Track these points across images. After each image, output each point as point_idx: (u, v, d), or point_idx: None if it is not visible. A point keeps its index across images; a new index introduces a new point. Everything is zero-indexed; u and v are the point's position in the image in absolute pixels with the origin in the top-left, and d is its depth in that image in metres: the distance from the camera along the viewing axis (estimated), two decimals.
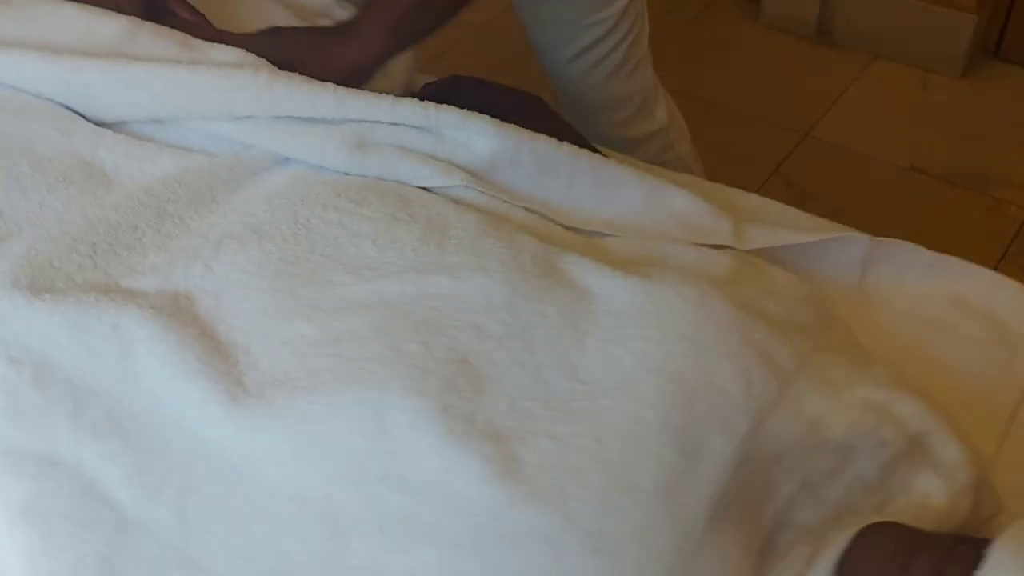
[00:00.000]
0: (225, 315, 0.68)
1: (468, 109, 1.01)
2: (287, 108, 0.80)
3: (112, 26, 0.88)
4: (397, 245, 0.72)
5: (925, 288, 0.87)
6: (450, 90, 1.05)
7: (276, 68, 0.84)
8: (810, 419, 0.65)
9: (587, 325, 0.67)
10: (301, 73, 0.83)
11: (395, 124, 0.82)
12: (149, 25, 0.88)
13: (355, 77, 0.87)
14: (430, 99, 1.04)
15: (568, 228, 0.84)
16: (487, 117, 0.83)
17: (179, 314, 0.67)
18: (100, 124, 0.84)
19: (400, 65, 1.07)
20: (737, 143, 2.10)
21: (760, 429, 0.62)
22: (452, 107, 0.83)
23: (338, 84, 0.82)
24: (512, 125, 0.84)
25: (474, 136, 0.83)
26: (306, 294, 0.68)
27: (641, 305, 0.67)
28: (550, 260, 0.72)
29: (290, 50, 0.88)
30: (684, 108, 2.23)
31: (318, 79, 0.82)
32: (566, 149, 0.85)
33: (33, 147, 0.79)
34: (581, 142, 0.97)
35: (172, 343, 0.64)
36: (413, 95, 1.06)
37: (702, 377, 0.62)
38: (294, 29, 0.93)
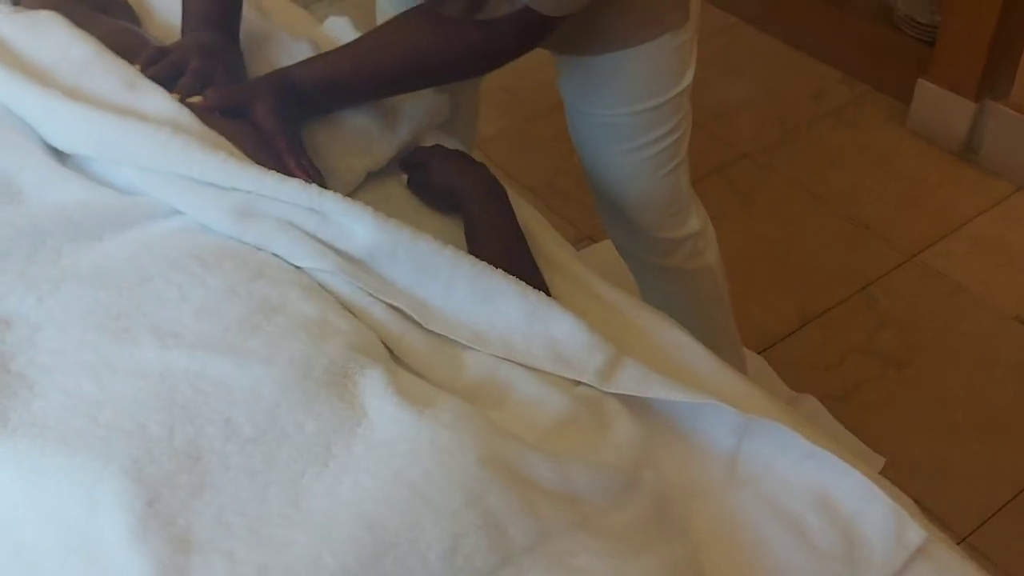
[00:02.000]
0: (30, 349, 0.72)
1: (431, 181, 1.03)
2: (180, 168, 0.84)
3: (82, 50, 0.95)
4: (215, 320, 0.74)
5: (794, 478, 0.81)
6: (428, 158, 1.07)
7: (203, 126, 0.88)
8: None
9: (339, 449, 0.66)
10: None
11: (281, 200, 0.84)
12: (109, 58, 0.94)
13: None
14: (411, 163, 1.07)
15: (429, 331, 0.83)
16: (368, 209, 0.84)
17: None
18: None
19: (397, 122, 1.10)
20: (833, 249, 1.98)
21: None
22: (335, 194, 0.84)
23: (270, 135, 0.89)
24: (394, 221, 0.85)
25: (354, 225, 0.84)
26: (108, 351, 0.72)
27: (394, 441, 0.66)
28: (348, 371, 0.72)
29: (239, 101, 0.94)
30: (794, 199, 2.15)
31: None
32: (447, 254, 0.85)
33: None
34: (517, 243, 0.96)
35: None
36: (402, 156, 1.09)
37: (405, 532, 0.60)
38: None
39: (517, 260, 0.93)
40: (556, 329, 0.85)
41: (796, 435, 0.80)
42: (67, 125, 0.87)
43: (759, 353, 1.79)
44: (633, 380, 0.82)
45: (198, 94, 0.95)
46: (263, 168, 0.84)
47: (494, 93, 1.48)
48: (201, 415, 0.67)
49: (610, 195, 1.31)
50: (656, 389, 0.81)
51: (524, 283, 0.86)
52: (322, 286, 0.82)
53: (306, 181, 0.88)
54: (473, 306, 0.85)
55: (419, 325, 0.83)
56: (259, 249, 0.83)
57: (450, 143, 1.17)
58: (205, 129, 0.88)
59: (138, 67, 0.96)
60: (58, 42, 0.97)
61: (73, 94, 0.90)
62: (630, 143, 1.23)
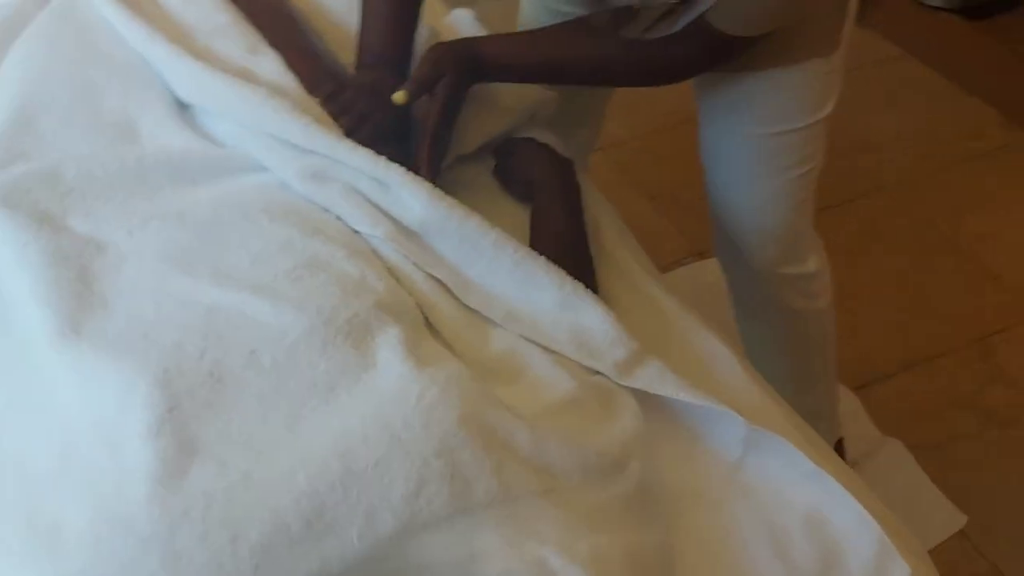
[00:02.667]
0: (113, 274, 0.83)
1: (512, 170, 1.09)
2: (268, 126, 0.93)
3: (223, 17, 1.06)
4: (267, 267, 0.82)
5: (792, 495, 0.82)
6: (515, 148, 1.13)
7: (304, 94, 0.98)
8: (473, 553, 0.66)
9: (341, 390, 0.73)
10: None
11: (351, 168, 0.92)
12: (244, 26, 1.05)
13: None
14: (503, 151, 1.12)
15: (464, 305, 0.89)
16: (426, 185, 0.91)
17: (75, 256, 0.83)
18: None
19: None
20: (956, 295, 1.91)
21: (409, 537, 0.66)
22: (398, 167, 0.91)
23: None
24: (449, 199, 0.91)
25: (411, 198, 0.91)
26: (171, 283, 0.81)
27: (389, 390, 0.72)
28: (370, 325, 0.78)
29: None
30: (925, 238, 2.08)
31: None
32: (493, 236, 0.90)
33: (100, 97, 1.00)
34: (574, 238, 1.00)
35: (49, 275, 0.81)
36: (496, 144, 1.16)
37: (374, 468, 0.66)
38: None
39: (570, 252, 0.98)
40: (585, 319, 0.89)
41: (800, 454, 0.81)
42: (184, 78, 0.98)
43: (855, 390, 1.75)
44: (649, 377, 0.85)
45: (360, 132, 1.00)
46: (340, 135, 0.92)
47: (632, 97, 1.51)
48: (231, 344, 0.75)
49: (732, 220, 1.30)
50: (670, 388, 0.84)
51: (563, 273, 0.90)
52: (373, 251, 0.89)
53: (425, 174, 0.95)
54: (512, 288, 0.90)
55: (456, 298, 0.89)
56: (325, 210, 0.91)
57: (546, 137, 1.23)
58: (304, 97, 0.97)
59: (318, 99, 1.02)
60: (205, 7, 1.09)
61: (200, 52, 1.01)
62: (764, 166, 1.22)
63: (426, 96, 1.01)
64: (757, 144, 1.20)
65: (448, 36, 1.32)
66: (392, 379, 0.73)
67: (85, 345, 0.77)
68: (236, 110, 0.95)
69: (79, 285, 0.81)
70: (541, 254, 0.96)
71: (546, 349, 0.87)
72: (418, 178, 0.91)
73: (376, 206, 0.91)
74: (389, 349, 0.76)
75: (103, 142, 0.96)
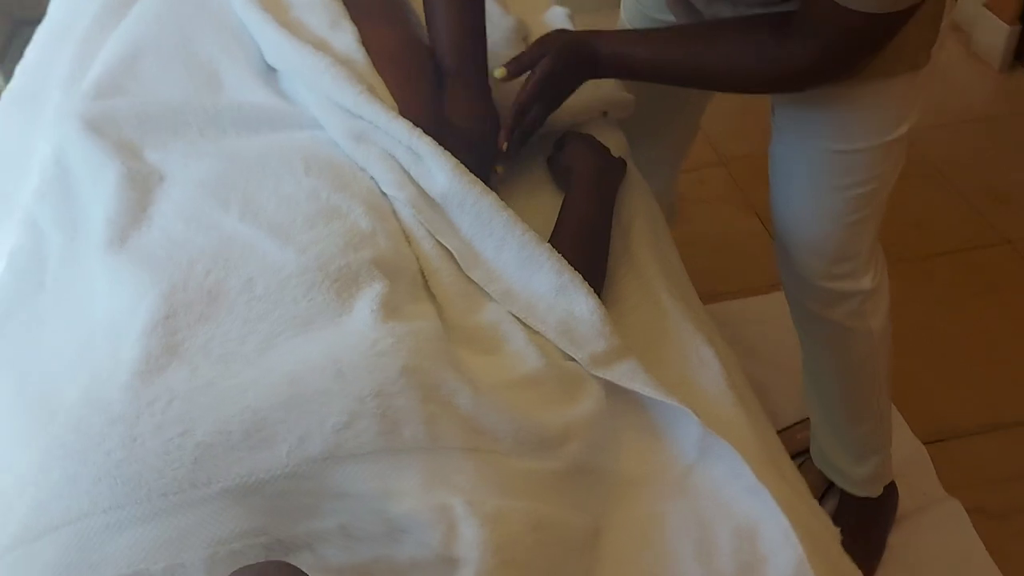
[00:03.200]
0: (164, 200, 0.95)
1: (559, 160, 1.15)
2: (327, 90, 1.03)
3: None
4: (289, 211, 0.92)
5: (733, 504, 0.84)
6: (567, 140, 1.19)
7: (369, 67, 1.07)
8: (388, 490, 0.73)
9: (315, 328, 0.81)
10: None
11: (390, 135, 1.00)
12: (330, 2, 1.15)
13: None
14: (559, 142, 1.18)
15: (465, 276, 0.96)
16: (452, 159, 0.98)
17: (141, 180, 0.96)
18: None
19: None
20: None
21: (334, 464, 0.73)
22: (430, 139, 0.98)
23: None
24: (470, 175, 0.97)
25: (437, 170, 0.98)
26: (205, 210, 0.92)
27: (350, 334, 0.80)
28: (359, 277, 0.86)
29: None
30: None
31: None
32: (505, 216, 0.96)
33: (199, 49, 1.12)
34: (593, 232, 1.05)
35: (118, 194, 0.94)
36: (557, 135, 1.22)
37: (315, 397, 0.74)
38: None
39: (586, 241, 1.02)
40: (577, 308, 0.93)
41: (744, 465, 0.83)
42: (269, 42, 1.10)
43: (929, 443, 1.70)
44: (620, 372, 0.89)
45: None
46: (385, 106, 1.00)
47: (758, 112, 1.50)
48: (234, 269, 0.85)
49: (786, 230, 1.30)
50: (637, 384, 0.88)
51: (564, 262, 0.95)
52: (393, 212, 0.97)
53: (501, 140, 1.03)
54: (515, 267, 0.96)
55: (459, 268, 0.96)
56: (363, 170, 1.00)
57: (608, 137, 1.27)
58: (367, 68, 1.06)
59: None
60: None
61: (289, 22, 1.12)
62: (824, 181, 1.21)
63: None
64: (820, 159, 1.19)
65: (539, 30, 1.38)
66: (357, 325, 0.81)
67: (124, 256, 0.89)
68: (303, 74, 1.05)
69: (137, 206, 0.94)
70: (559, 237, 1.02)
71: (531, 330, 0.92)
72: (447, 152, 0.98)
73: (407, 172, 0.99)
74: (367, 300, 0.83)
75: (191, 87, 1.09)
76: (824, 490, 1.62)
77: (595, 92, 1.30)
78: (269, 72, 1.13)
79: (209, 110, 1.05)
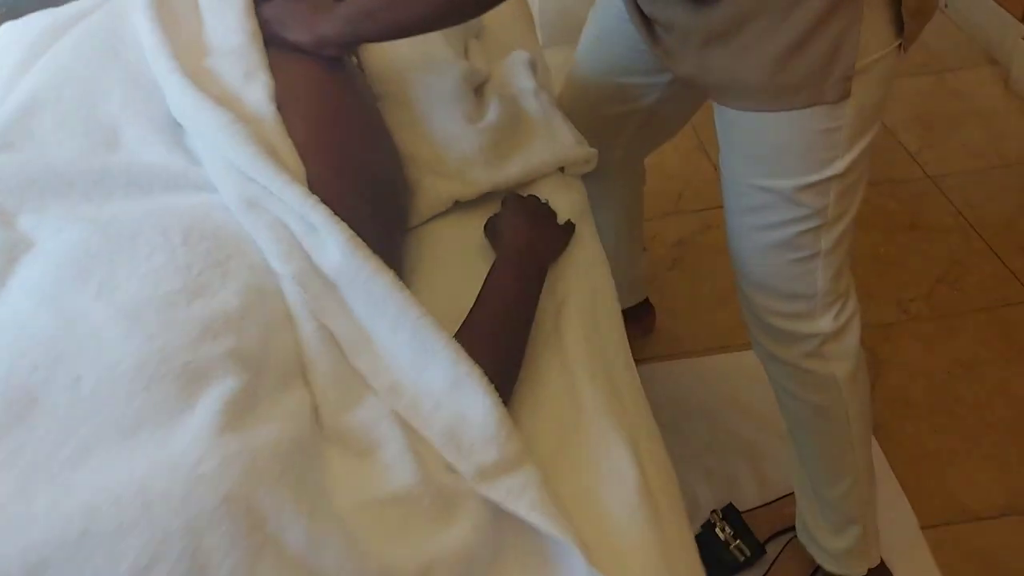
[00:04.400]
0: (23, 271, 0.86)
1: (493, 226, 1.04)
2: (225, 150, 0.93)
3: (239, 38, 1.07)
4: (151, 289, 0.81)
5: None
6: (506, 203, 1.08)
7: (277, 127, 0.97)
8: None
9: (143, 435, 0.71)
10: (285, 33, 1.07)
11: (284, 202, 0.90)
12: (249, 49, 1.06)
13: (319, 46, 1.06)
14: (505, 204, 1.08)
15: (349, 366, 0.85)
16: (347, 232, 0.88)
17: (7, 250, 0.88)
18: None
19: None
20: None
21: None
22: (324, 208, 0.88)
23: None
24: (366, 250, 0.88)
25: (331, 242, 0.88)
26: (61, 290, 0.82)
27: (175, 446, 0.70)
28: (209, 373, 0.75)
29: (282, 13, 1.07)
30: None
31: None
32: (399, 298, 0.86)
33: (100, 102, 1.04)
34: (510, 313, 0.94)
35: None
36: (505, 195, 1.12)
37: (113, 532, 0.64)
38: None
39: (500, 330, 0.92)
40: (470, 409, 0.82)
41: None
42: (173, 93, 1.01)
43: (933, 526, 1.54)
44: (507, 489, 0.79)
45: None
46: (281, 168, 0.91)
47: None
48: (65, 364, 0.74)
49: (736, 262, 1.23)
50: (522, 507, 0.77)
51: (463, 354, 0.84)
52: (277, 290, 0.88)
53: None
54: (406, 357, 0.85)
55: (344, 355, 0.85)
56: (254, 240, 0.90)
57: (568, 196, 1.16)
58: (276, 128, 0.97)
59: None
60: (230, 25, 1.11)
61: (200, 71, 1.03)
62: (750, 217, 1.14)
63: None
64: (743, 193, 1.12)
65: (497, 78, 1.28)
66: (187, 437, 0.71)
67: None
68: (201, 130, 0.96)
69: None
70: (471, 319, 0.91)
71: (415, 432, 0.82)
72: (342, 224, 0.88)
73: (299, 244, 0.90)
74: (212, 401, 0.73)
75: (87, 145, 1.00)
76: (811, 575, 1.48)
77: (551, 147, 1.20)
78: (177, 128, 1.04)
79: (98, 171, 0.96)
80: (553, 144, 1.20)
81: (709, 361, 1.91)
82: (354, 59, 1.21)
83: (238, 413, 0.73)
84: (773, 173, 1.07)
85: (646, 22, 1.12)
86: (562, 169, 1.23)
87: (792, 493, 1.50)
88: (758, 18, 0.97)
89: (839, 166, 1.05)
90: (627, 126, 1.39)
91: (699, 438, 1.77)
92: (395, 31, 1.07)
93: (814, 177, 1.05)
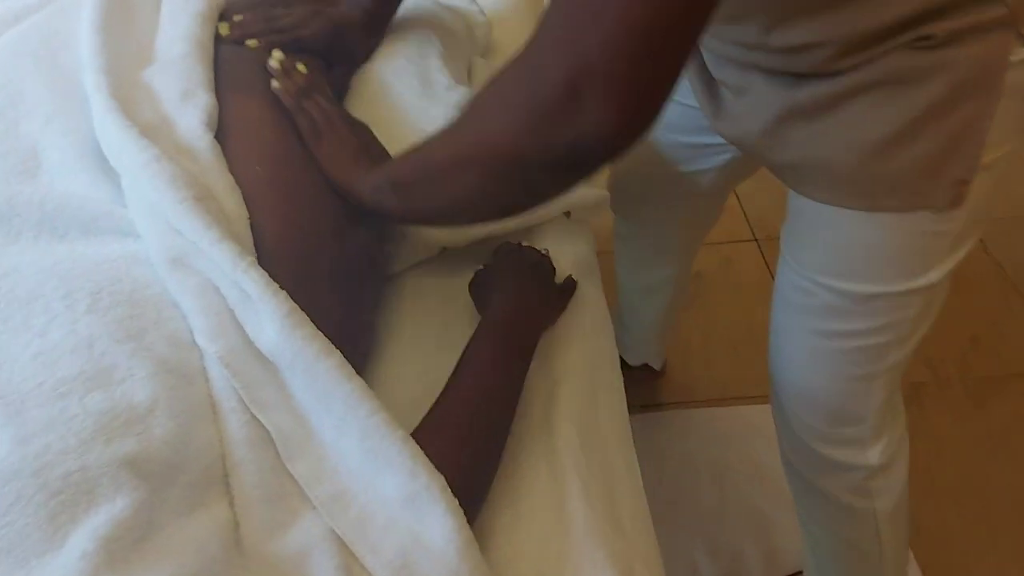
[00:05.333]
0: None
1: (484, 281, 0.89)
2: (146, 191, 0.77)
3: (182, 47, 0.91)
4: (44, 370, 0.66)
5: None
6: (500, 254, 0.93)
7: (215, 162, 0.81)
8: None
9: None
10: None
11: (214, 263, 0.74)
12: (190, 62, 0.89)
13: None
14: (495, 257, 0.92)
15: (286, 470, 0.69)
16: (285, 305, 0.71)
17: None
18: None
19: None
20: None
21: None
22: (261, 275, 0.72)
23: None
24: (307, 328, 0.71)
25: (266, 316, 0.72)
26: None
27: None
28: (93, 489, 0.60)
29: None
30: None
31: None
32: (346, 390, 0.69)
33: (22, 117, 0.88)
34: (489, 396, 0.78)
35: None
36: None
37: None
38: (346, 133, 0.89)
39: (473, 423, 0.75)
40: (428, 529, 0.66)
41: None
42: (97, 114, 0.84)
43: None
44: None
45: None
46: (212, 222, 0.75)
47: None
48: None
49: (779, 371, 1.04)
50: None
51: (422, 458, 0.68)
52: (203, 371, 0.72)
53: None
54: (355, 461, 0.69)
55: (278, 457, 0.70)
56: (176, 306, 0.75)
57: (573, 248, 1.00)
58: (213, 165, 0.80)
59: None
60: (180, 31, 0.95)
61: (133, 84, 0.87)
62: (817, 322, 0.95)
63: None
64: (815, 293, 0.92)
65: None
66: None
67: None
68: (124, 167, 0.80)
69: None
70: (439, 407, 0.75)
71: (357, 562, 0.66)
72: (281, 295, 0.72)
73: (231, 316, 0.74)
74: (88, 533, 0.58)
75: (3, 166, 0.84)
76: None
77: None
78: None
79: (5, 202, 0.80)
80: None
81: (721, 413, 1.75)
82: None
83: (123, 548, 0.57)
84: (850, 274, 0.88)
85: (707, 80, 0.93)
86: (568, 214, 1.07)
87: (801, 573, 1.35)
88: (861, 95, 0.76)
89: (933, 276, 0.86)
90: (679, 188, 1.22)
91: (705, 500, 1.62)
92: (427, 212, 0.79)
93: (900, 287, 0.86)
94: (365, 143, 0.90)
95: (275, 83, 0.89)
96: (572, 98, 0.56)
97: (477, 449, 0.74)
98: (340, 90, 1.03)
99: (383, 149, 0.91)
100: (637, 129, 0.57)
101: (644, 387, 1.75)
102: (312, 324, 0.72)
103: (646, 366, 1.75)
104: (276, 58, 0.92)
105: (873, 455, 1.02)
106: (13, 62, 0.92)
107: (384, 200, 0.80)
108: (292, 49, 0.94)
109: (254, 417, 0.70)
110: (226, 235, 0.74)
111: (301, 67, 0.92)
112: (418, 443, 0.69)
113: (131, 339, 0.70)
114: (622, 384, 0.94)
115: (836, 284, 0.89)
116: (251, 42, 0.94)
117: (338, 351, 0.71)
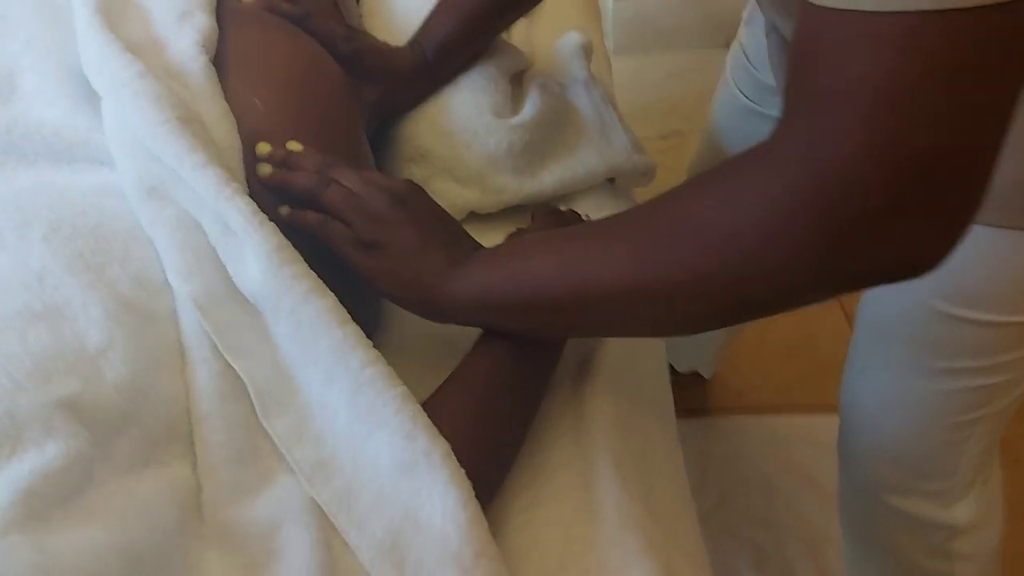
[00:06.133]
0: None
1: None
2: (128, 112, 0.67)
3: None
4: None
5: None
6: (539, 218, 0.81)
7: (206, 82, 0.71)
8: None
9: None
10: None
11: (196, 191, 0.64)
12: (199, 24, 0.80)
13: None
14: (534, 221, 0.81)
15: (260, 425, 0.59)
16: (273, 237, 0.61)
17: None
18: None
19: None
20: None
21: None
22: (248, 204, 0.62)
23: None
24: (295, 265, 0.60)
25: (250, 251, 0.61)
26: None
27: None
28: (23, 434, 0.49)
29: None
30: None
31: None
32: (335, 336, 0.59)
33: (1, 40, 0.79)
34: (508, 382, 0.65)
35: None
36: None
37: None
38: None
39: (485, 394, 0.63)
40: (427, 505, 0.55)
41: None
42: (79, 29, 0.75)
43: None
44: None
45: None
46: (197, 145, 0.64)
47: None
48: None
49: (854, 410, 0.90)
50: None
51: (424, 421, 0.57)
52: (172, 312, 0.62)
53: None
54: (343, 418, 0.58)
55: (253, 412, 0.59)
56: (151, 242, 0.65)
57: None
58: (206, 86, 0.71)
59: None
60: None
61: (123, 4, 0.78)
62: (923, 356, 0.80)
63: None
64: (923, 321, 0.78)
65: (542, 66, 1.01)
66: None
67: None
68: (104, 85, 0.70)
69: None
70: (456, 376, 0.64)
71: (339, 537, 0.55)
72: (269, 226, 0.62)
73: (211, 253, 0.64)
74: (6, 480, 0.47)
75: None
76: None
77: (601, 151, 0.93)
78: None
79: None
80: (605, 148, 0.94)
81: (772, 421, 1.62)
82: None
83: (46, 504, 0.47)
84: (971, 301, 0.74)
85: None
86: (612, 181, 0.96)
87: None
88: None
89: None
90: None
91: (754, 511, 1.49)
92: (566, 334, 0.67)
93: None
94: (441, 226, 0.67)
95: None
96: (889, 213, 0.42)
97: (496, 418, 0.63)
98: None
99: (458, 228, 0.68)
100: (954, 245, 0.44)
101: (691, 391, 1.63)
102: (304, 264, 0.61)
103: (695, 373, 1.62)
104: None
105: (960, 512, 0.88)
106: None
107: (488, 320, 0.63)
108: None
109: (228, 367, 0.59)
110: (212, 161, 0.64)
111: (294, 145, 0.70)
112: (425, 410, 0.58)
113: (89, 272, 0.60)
114: (667, 370, 0.82)
115: (951, 309, 0.75)
116: None
117: (332, 294, 0.60)
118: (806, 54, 0.44)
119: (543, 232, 0.62)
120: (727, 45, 1.14)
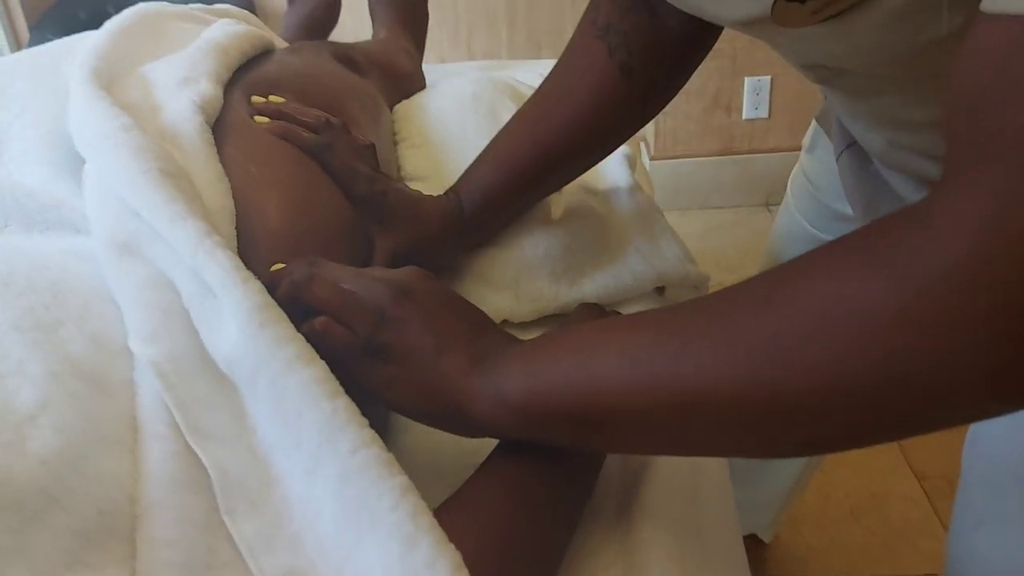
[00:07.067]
0: None
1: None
2: (108, 168, 0.59)
3: (193, 46, 0.77)
4: None
5: None
6: (585, 314, 0.70)
7: (201, 144, 0.63)
8: None
9: None
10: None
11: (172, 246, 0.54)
12: (204, 57, 0.74)
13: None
14: (574, 317, 0.70)
15: (220, 520, 0.46)
16: (254, 296, 0.50)
17: None
18: None
19: None
20: None
21: None
22: (229, 257, 0.52)
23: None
24: (278, 328, 0.49)
25: (228, 310, 0.51)
26: None
27: None
28: None
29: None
30: None
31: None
32: (326, 409, 0.47)
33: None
34: (531, 498, 0.52)
35: None
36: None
37: None
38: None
39: (507, 508, 0.50)
40: None
41: None
42: (71, 92, 0.68)
43: None
44: None
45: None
46: (177, 197, 0.55)
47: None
48: None
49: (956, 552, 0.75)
50: None
51: (427, 521, 0.44)
52: (129, 382, 0.50)
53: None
54: (331, 516, 0.46)
55: (214, 506, 0.46)
56: (111, 300, 0.55)
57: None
58: (199, 145, 0.63)
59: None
60: (210, 32, 0.81)
61: (123, 72, 0.71)
62: None
63: None
64: None
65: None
66: None
67: None
68: (86, 139, 0.62)
69: None
70: (472, 479, 0.52)
71: None
72: (254, 283, 0.52)
73: (183, 316, 0.53)
74: None
75: None
76: None
77: (649, 259, 0.84)
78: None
79: None
80: (654, 255, 0.84)
81: None
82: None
83: None
84: None
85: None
86: (660, 291, 0.86)
87: None
88: None
89: None
90: None
91: None
92: (605, 450, 0.58)
93: None
94: (459, 317, 0.55)
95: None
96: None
97: (521, 540, 0.49)
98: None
99: (483, 319, 0.56)
100: None
101: (748, 556, 1.44)
102: (291, 326, 0.50)
103: (753, 536, 1.45)
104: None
105: None
106: (12, 68, 0.78)
107: (531, 433, 0.50)
108: None
109: (188, 449, 0.47)
110: (194, 214, 0.54)
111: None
112: (437, 519, 0.46)
113: (38, 330, 0.49)
114: (732, 495, 0.68)
115: None
116: (261, 119, 0.72)
117: (322, 362, 0.49)
118: (983, 87, 0.35)
119: (602, 322, 0.49)
120: (766, 204, 1.07)
